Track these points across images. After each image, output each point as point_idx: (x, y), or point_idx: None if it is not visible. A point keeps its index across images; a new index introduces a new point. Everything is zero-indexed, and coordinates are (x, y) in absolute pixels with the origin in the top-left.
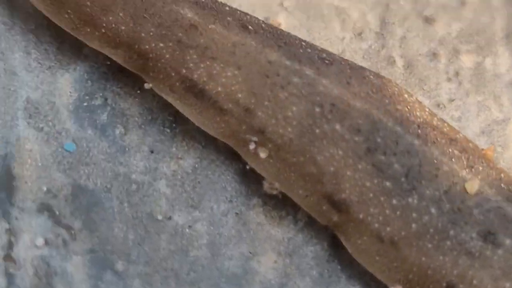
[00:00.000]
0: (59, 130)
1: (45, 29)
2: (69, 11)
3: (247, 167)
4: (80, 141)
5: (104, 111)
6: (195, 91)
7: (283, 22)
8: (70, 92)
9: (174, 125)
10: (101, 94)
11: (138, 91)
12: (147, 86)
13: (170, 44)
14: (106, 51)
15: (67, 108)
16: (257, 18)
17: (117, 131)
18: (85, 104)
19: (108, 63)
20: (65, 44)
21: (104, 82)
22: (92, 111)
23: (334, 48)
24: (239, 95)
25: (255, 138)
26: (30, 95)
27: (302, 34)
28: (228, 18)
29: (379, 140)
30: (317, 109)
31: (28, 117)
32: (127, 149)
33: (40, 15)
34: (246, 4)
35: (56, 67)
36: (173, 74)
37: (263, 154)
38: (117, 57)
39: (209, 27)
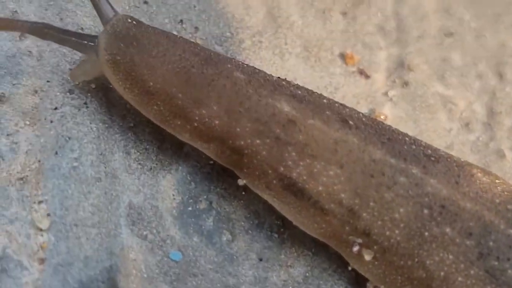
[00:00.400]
0: (163, 237)
1: (144, 126)
2: (158, 102)
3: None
4: (186, 249)
5: (209, 216)
6: (294, 190)
7: (389, 113)
8: (173, 195)
9: (282, 229)
10: (205, 197)
11: (243, 193)
12: (240, 182)
13: (267, 140)
14: (197, 145)
15: (171, 213)
16: (356, 111)
17: (224, 238)
18: (189, 208)
19: (211, 162)
20: (165, 143)
21: (207, 184)
22: (197, 216)
23: (442, 141)
24: (342, 195)
25: (359, 240)
26: (132, 199)
27: (408, 126)
28: (327, 112)
29: (491, 244)
30: (426, 211)
31: (131, 224)
32: (235, 257)
33: (138, 111)
34: (350, 96)
35: (158, 168)
36: (270, 171)
37: (367, 256)
38: (209, 151)
39: (308, 122)
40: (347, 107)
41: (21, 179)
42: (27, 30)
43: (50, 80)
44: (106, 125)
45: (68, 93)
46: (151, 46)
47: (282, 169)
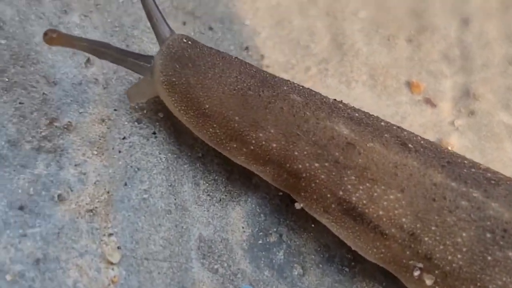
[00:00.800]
0: (234, 271)
1: (212, 156)
2: (214, 125)
3: None
4: (257, 283)
5: (280, 249)
6: (354, 214)
7: (455, 143)
8: (243, 228)
9: (353, 263)
10: (275, 230)
11: (313, 225)
12: (297, 206)
13: (326, 164)
14: (253, 168)
15: (241, 247)
16: (414, 134)
17: (295, 272)
18: (260, 241)
19: (281, 194)
20: (234, 174)
21: (277, 216)
22: (268, 250)
23: (508, 171)
24: (403, 220)
25: (420, 265)
26: (202, 232)
27: (475, 156)
28: (386, 135)
29: None
30: (488, 235)
31: (202, 257)
32: None
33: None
34: (416, 125)
35: (227, 199)
36: (328, 195)
37: (429, 281)
38: (265, 174)
39: (367, 145)
40: (405, 130)
41: (91, 211)
42: (85, 48)
43: (117, 108)
44: (175, 155)
45: (136, 123)
46: (206, 67)
47: (341, 193)
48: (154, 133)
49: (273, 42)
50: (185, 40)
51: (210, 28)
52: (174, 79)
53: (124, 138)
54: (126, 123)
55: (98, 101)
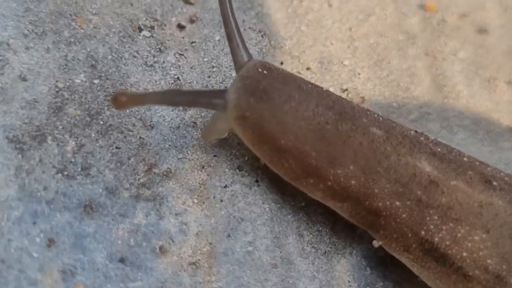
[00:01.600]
0: None
1: (315, 206)
2: (290, 160)
3: None
4: None
5: None
6: (436, 255)
7: None
8: (349, 282)
9: None
10: (381, 284)
11: (418, 279)
12: (375, 244)
13: (408, 202)
14: (330, 204)
15: None
16: (498, 169)
17: None
18: None
19: None
20: (338, 224)
21: (382, 270)
22: None
23: None
24: (488, 261)
25: None
26: (308, 287)
27: None
28: (470, 172)
29: None
30: None
31: None
32: None
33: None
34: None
35: (332, 251)
36: (409, 234)
37: None
38: (341, 210)
39: (451, 183)
40: (488, 165)
41: (193, 263)
42: (157, 102)
43: (217, 154)
44: (278, 205)
45: (237, 170)
46: (282, 100)
47: (423, 233)
48: (256, 181)
49: (373, 84)
50: (260, 70)
51: (308, 68)
52: (248, 114)
53: (225, 186)
54: (227, 170)
55: (197, 146)
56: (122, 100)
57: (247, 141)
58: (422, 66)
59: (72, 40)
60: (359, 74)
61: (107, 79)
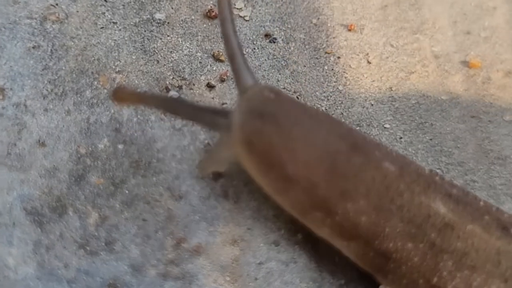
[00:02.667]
0: None
1: (356, 283)
2: (298, 191)
3: None
4: None
5: None
6: None
7: None
8: None
9: None
10: None
11: None
12: None
13: (421, 245)
14: (336, 242)
15: None
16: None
17: None
18: None
19: None
20: None
21: None
22: None
23: None
24: None
25: None
26: None
27: None
28: (486, 217)
29: None
30: None
31: None
32: None
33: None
34: None
35: None
36: (421, 281)
37: None
38: (348, 250)
39: (467, 228)
40: (505, 212)
41: None
42: (156, 104)
43: (251, 227)
44: (317, 284)
45: (273, 245)
46: (291, 125)
47: (435, 279)
48: (293, 257)
49: (415, 148)
50: (267, 93)
51: None
52: (254, 137)
53: (260, 263)
54: (261, 245)
55: (229, 218)
56: (123, 95)
57: (251, 168)
58: (467, 129)
59: (95, 101)
60: (401, 138)
61: (132, 143)
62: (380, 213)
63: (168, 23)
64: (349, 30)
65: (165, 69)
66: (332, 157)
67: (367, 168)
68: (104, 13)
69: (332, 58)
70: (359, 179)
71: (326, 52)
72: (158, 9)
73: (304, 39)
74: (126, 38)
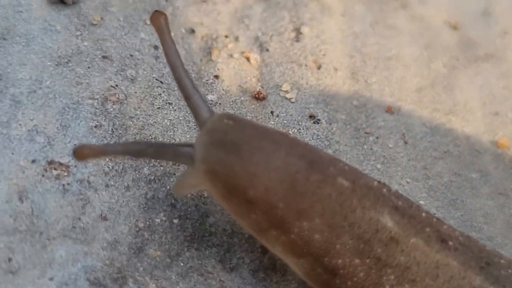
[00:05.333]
0: None
1: None
2: (257, 212)
3: None
4: None
5: None
6: None
7: None
8: None
9: None
10: None
11: None
12: None
13: (367, 260)
14: (288, 259)
15: None
16: (452, 227)
17: None
18: None
19: None
20: None
21: None
22: None
23: None
24: None
25: None
26: None
27: None
28: (427, 229)
29: None
30: None
31: None
32: None
33: None
34: None
35: None
36: None
37: None
38: (297, 267)
39: (410, 241)
40: (444, 223)
41: None
42: (120, 153)
43: None
44: None
45: None
46: (252, 152)
47: None
48: None
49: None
50: (226, 121)
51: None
52: (217, 168)
53: None
54: None
55: None
56: (84, 152)
57: (216, 195)
58: (495, 206)
59: (152, 177)
60: (435, 214)
61: (187, 218)
62: (333, 230)
63: (219, 103)
64: (387, 111)
65: None
66: (292, 178)
67: (324, 184)
68: (160, 94)
69: (371, 138)
70: (316, 197)
71: (365, 132)
72: (210, 90)
73: (345, 119)
74: (180, 118)
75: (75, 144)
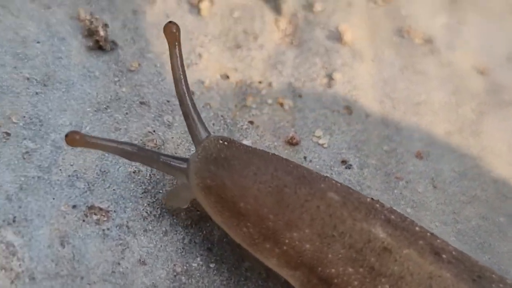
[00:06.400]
0: None
1: None
2: (248, 224)
3: None
4: None
5: None
6: None
7: None
8: None
9: None
10: None
11: None
12: None
13: (361, 269)
14: (283, 272)
15: None
16: (446, 242)
17: None
18: None
19: None
20: None
21: None
22: None
23: None
24: None
25: None
26: None
27: None
28: (421, 242)
29: None
30: None
31: None
32: None
33: None
34: None
35: None
36: None
37: None
38: (294, 279)
39: (404, 252)
40: (438, 237)
41: None
42: (112, 150)
43: None
44: None
45: None
46: (242, 166)
47: None
48: None
49: None
50: (221, 141)
51: None
52: (209, 181)
53: None
54: None
55: None
56: (75, 137)
57: (209, 209)
58: None
59: (189, 222)
60: None
61: (223, 262)
62: (324, 239)
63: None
64: (416, 156)
65: None
66: (279, 190)
67: (312, 198)
68: None
69: (401, 183)
70: (304, 209)
71: (396, 177)
72: (245, 136)
73: (376, 164)
74: None
75: (114, 190)
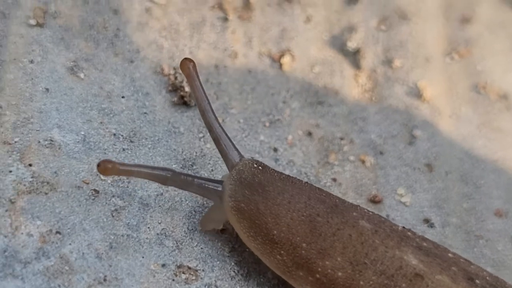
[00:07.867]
0: None
1: None
2: (282, 252)
3: None
4: None
5: None
6: None
7: None
8: None
9: None
10: None
11: None
12: None
13: None
14: None
15: None
16: (481, 268)
17: None
18: None
19: None
20: None
21: None
22: None
23: None
24: None
25: None
26: None
27: None
28: (453, 268)
29: None
30: None
31: None
32: None
33: None
34: None
35: None
36: None
37: None
38: None
39: (436, 277)
40: (472, 263)
41: None
42: (145, 176)
43: None
44: None
45: None
46: (276, 193)
47: None
48: None
49: None
50: (255, 165)
51: None
52: (243, 205)
53: None
54: None
55: None
56: (108, 166)
57: (241, 233)
58: None
59: (275, 282)
60: None
61: None
62: (356, 267)
63: None
64: (495, 214)
65: None
66: (312, 219)
67: (344, 227)
68: None
69: (481, 241)
70: (337, 237)
71: (475, 235)
72: None
73: (456, 223)
74: None
75: (202, 248)
